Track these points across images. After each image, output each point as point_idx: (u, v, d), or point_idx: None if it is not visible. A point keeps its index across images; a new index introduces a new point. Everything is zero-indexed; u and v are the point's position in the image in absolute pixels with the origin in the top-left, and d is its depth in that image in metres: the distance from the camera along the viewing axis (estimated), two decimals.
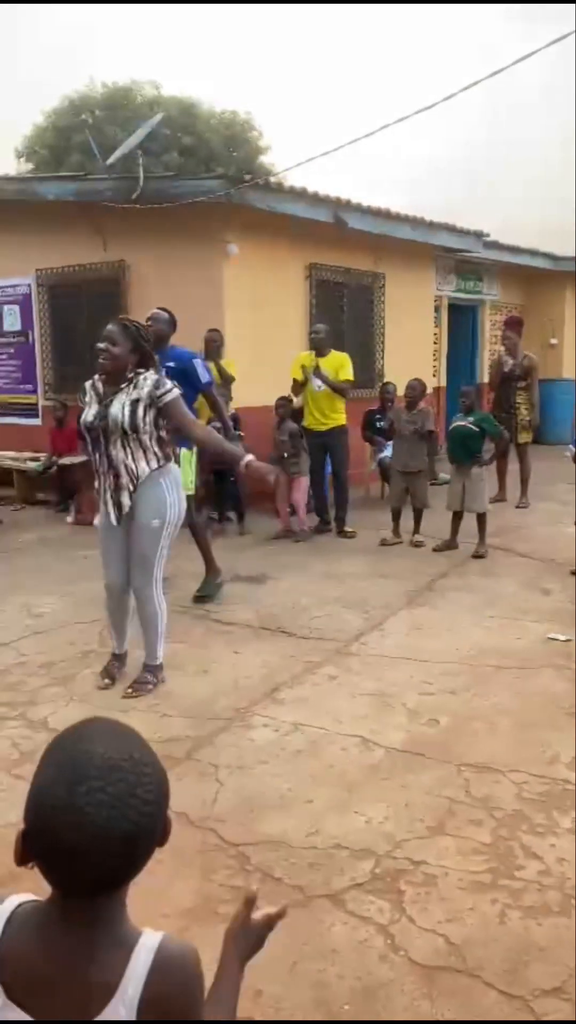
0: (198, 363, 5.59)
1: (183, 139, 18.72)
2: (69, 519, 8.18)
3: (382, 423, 8.67)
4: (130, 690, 4.00)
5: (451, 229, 10.50)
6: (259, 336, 8.39)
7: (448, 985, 2.10)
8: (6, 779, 3.16)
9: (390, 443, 7.78)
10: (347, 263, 9.70)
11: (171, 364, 5.41)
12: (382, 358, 10.40)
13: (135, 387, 3.87)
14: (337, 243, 9.32)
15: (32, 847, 0.99)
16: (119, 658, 4.23)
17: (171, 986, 1.00)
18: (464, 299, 12.88)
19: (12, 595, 5.67)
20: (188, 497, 5.43)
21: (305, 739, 3.48)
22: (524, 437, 8.62)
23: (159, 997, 0.99)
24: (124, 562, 4.07)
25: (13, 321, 10.21)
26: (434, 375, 12.00)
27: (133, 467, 3.90)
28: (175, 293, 8.32)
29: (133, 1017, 0.98)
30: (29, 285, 9.91)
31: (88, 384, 4.03)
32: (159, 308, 5.68)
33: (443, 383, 12.39)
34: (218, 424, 6.12)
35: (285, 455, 7.31)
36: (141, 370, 3.91)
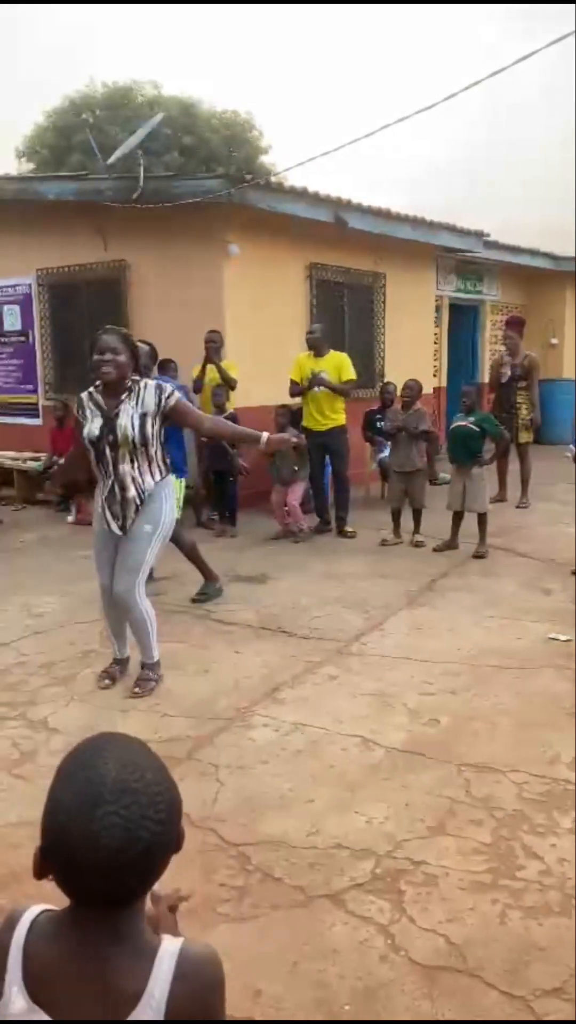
0: (178, 394, 5.58)
1: (183, 139, 18.72)
2: (69, 519, 8.18)
3: (382, 423, 8.66)
4: (137, 690, 4.01)
5: (452, 229, 10.49)
6: (259, 336, 8.39)
7: (449, 985, 2.10)
8: (6, 779, 3.16)
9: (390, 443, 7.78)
10: (347, 263, 9.70)
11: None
12: (382, 358, 10.40)
13: (137, 397, 3.86)
14: (337, 243, 9.32)
15: (49, 864, 1.01)
16: (121, 662, 4.23)
17: (196, 990, 1.02)
18: (464, 299, 12.88)
19: (12, 595, 5.67)
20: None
21: (305, 739, 3.47)
22: (525, 437, 8.62)
23: (185, 1002, 1.00)
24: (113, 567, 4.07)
25: (13, 321, 10.21)
26: (435, 375, 12.00)
27: (140, 481, 3.92)
28: (175, 293, 8.34)
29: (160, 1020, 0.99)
30: (29, 285, 9.91)
31: (85, 397, 3.96)
32: (140, 341, 5.71)
33: (443, 383, 12.39)
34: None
35: (283, 454, 7.31)
36: (136, 377, 3.92)
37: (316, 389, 7.24)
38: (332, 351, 7.42)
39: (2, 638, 4.81)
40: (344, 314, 9.77)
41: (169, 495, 4.08)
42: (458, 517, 6.73)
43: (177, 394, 3.96)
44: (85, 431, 3.91)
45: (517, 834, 2.76)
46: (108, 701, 3.91)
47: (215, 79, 34.17)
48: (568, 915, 2.36)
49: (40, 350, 9.99)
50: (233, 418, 7.50)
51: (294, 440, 4.14)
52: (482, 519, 6.61)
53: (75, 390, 4.51)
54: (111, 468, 3.89)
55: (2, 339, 10.39)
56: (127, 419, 3.83)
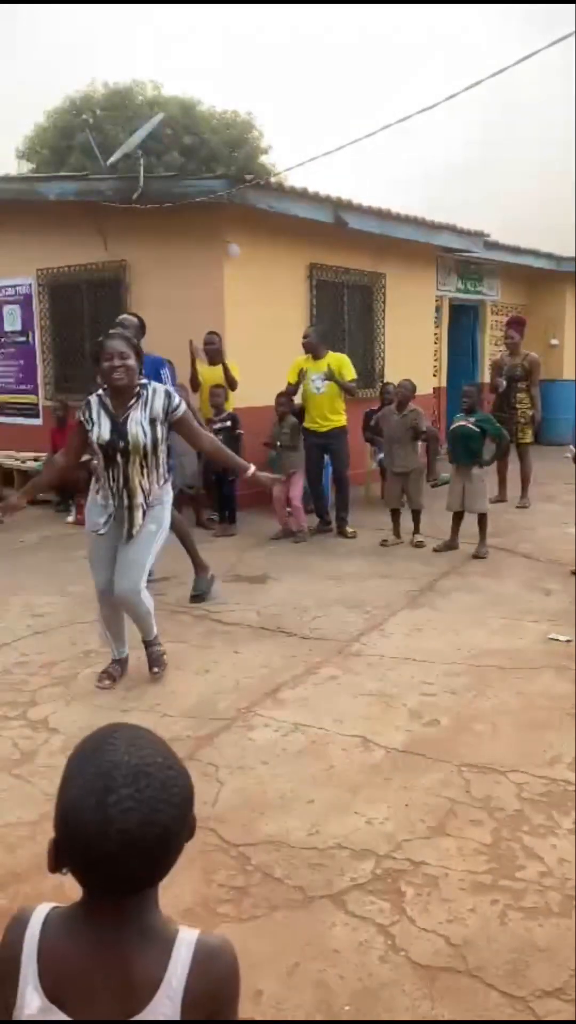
0: (166, 372, 5.65)
1: (184, 139, 18.72)
2: (69, 519, 8.18)
3: (374, 424, 8.67)
4: (156, 669, 4.13)
5: (452, 229, 10.49)
6: (259, 336, 8.39)
7: (449, 986, 2.10)
8: (7, 779, 3.16)
9: None
10: (348, 263, 9.69)
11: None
12: (383, 358, 10.40)
13: (145, 402, 3.88)
14: (338, 243, 9.32)
15: (64, 856, 1.00)
16: (120, 662, 4.23)
17: (214, 978, 1.03)
18: (465, 299, 12.88)
19: (13, 595, 5.67)
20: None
21: (306, 739, 3.47)
22: (525, 437, 8.62)
23: (203, 989, 1.01)
24: (112, 567, 4.06)
25: (14, 321, 10.21)
26: (435, 375, 12.00)
27: (148, 487, 3.95)
28: (176, 293, 8.34)
29: (178, 1010, 1.00)
30: (30, 285, 9.91)
31: (94, 400, 3.93)
32: (128, 313, 5.77)
33: (444, 383, 12.39)
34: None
35: (279, 444, 7.32)
36: (143, 380, 3.93)
37: (317, 389, 7.23)
38: (331, 352, 7.42)
39: (3, 638, 4.81)
40: (344, 314, 9.77)
41: (168, 496, 4.15)
42: (458, 517, 6.73)
43: (183, 406, 4.00)
44: (94, 435, 3.88)
45: (517, 835, 2.76)
46: (109, 701, 3.91)
47: (215, 79, 34.18)
48: (568, 916, 2.36)
49: (40, 350, 9.99)
50: (233, 419, 7.53)
51: (274, 486, 4.35)
52: (482, 519, 6.61)
53: (75, 391, 4.51)
54: (120, 474, 3.90)
55: (2, 339, 10.39)
56: (137, 426, 3.85)
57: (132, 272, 8.83)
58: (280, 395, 7.42)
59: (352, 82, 39.78)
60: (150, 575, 5.03)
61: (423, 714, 3.71)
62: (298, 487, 7.39)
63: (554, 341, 13.95)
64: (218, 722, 3.66)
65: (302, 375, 7.32)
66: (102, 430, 3.86)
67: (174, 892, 2.44)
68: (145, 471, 3.92)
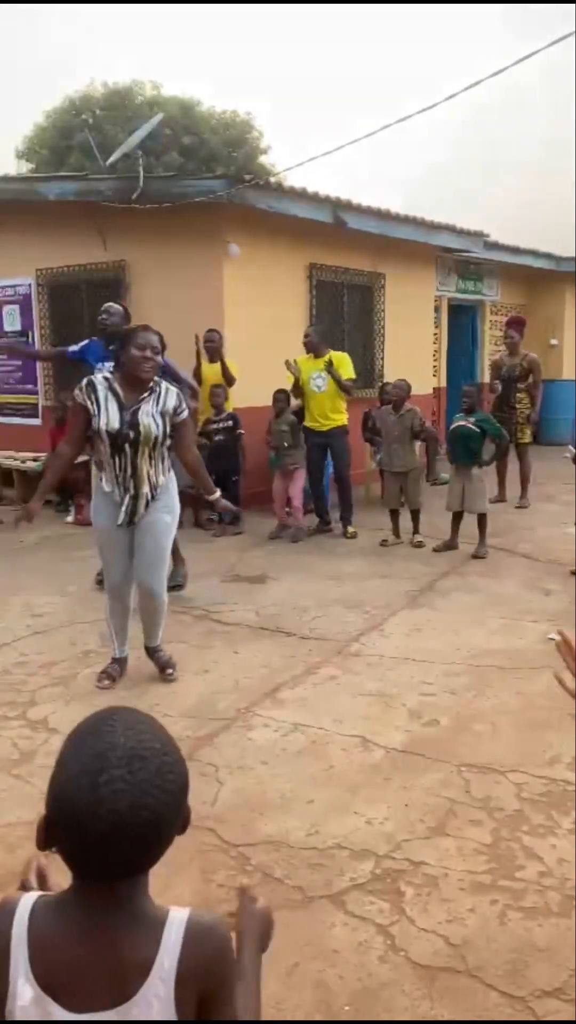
0: (186, 414, 5.66)
1: (183, 139, 18.72)
2: (69, 519, 8.18)
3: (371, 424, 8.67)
4: (170, 671, 4.15)
5: (451, 229, 10.49)
6: (259, 336, 8.38)
7: (448, 986, 2.10)
8: (6, 779, 3.16)
9: None
10: (347, 263, 9.69)
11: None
12: (382, 358, 10.40)
13: (158, 397, 3.89)
14: (337, 243, 9.31)
15: (55, 835, 1.00)
16: (119, 661, 4.23)
17: (206, 955, 1.02)
18: (464, 299, 12.87)
19: (13, 595, 5.67)
20: None
21: (305, 739, 3.47)
22: (524, 437, 8.62)
23: (195, 967, 1.01)
24: (128, 562, 4.07)
25: (13, 321, 10.21)
26: (434, 375, 12.00)
27: (155, 478, 3.96)
28: (175, 293, 8.34)
29: (171, 990, 1.00)
30: (29, 285, 9.91)
31: (100, 383, 3.87)
32: (112, 303, 5.81)
33: (443, 383, 12.39)
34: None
35: (285, 444, 7.32)
36: (157, 378, 3.94)
37: (318, 388, 7.23)
38: (331, 351, 7.42)
39: (2, 638, 4.81)
40: (344, 314, 9.77)
41: (175, 486, 4.16)
42: (458, 517, 6.73)
43: (187, 413, 4.03)
44: (100, 421, 3.81)
45: (517, 835, 2.76)
46: (108, 701, 3.90)
47: (215, 79, 34.20)
48: (568, 916, 2.36)
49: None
50: (233, 419, 7.53)
51: (230, 508, 4.58)
52: (482, 520, 6.61)
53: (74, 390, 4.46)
54: (129, 463, 3.88)
55: (2, 339, 10.38)
56: (149, 418, 3.85)
57: (132, 272, 8.83)
58: (278, 391, 7.42)
59: (352, 82, 39.78)
60: None
61: (423, 714, 3.71)
62: (299, 484, 7.39)
63: (553, 341, 13.95)
64: (218, 722, 3.66)
65: (292, 368, 7.32)
66: (110, 417, 3.82)
67: (174, 892, 2.44)
68: (152, 462, 3.93)
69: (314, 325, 7.92)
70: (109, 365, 5.58)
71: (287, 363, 7.29)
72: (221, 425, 7.50)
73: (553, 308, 14.19)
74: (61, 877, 1.05)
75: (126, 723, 1.04)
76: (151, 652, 4.24)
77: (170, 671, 4.16)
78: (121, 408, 3.84)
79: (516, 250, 12.70)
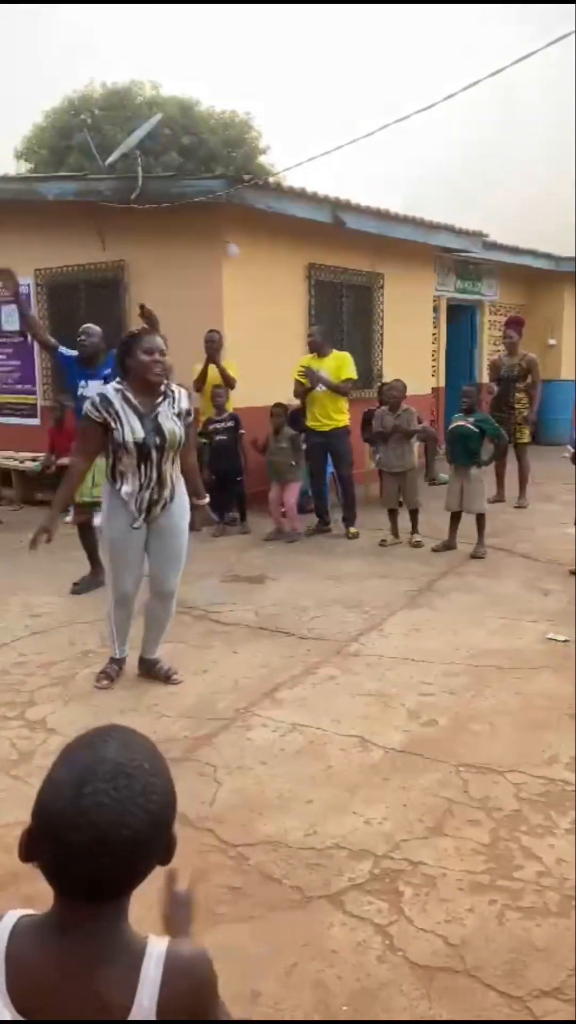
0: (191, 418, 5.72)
1: (182, 139, 18.72)
2: (68, 519, 8.15)
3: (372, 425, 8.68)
4: (175, 676, 4.14)
5: (450, 229, 10.49)
6: (258, 336, 8.39)
7: (447, 986, 2.10)
8: (5, 780, 3.15)
9: None
10: (346, 263, 9.69)
11: (107, 372, 5.62)
12: (381, 358, 10.40)
13: (172, 401, 3.89)
14: (336, 243, 9.31)
15: (36, 846, 0.99)
16: (118, 661, 4.21)
17: (186, 992, 1.01)
18: (463, 299, 12.88)
19: (12, 595, 5.67)
20: (91, 503, 5.69)
21: (304, 739, 3.47)
22: (523, 437, 8.62)
23: (176, 1004, 0.99)
24: (140, 568, 4.08)
25: (12, 321, 10.19)
26: (433, 375, 12.00)
27: (172, 480, 3.98)
28: (174, 293, 8.33)
29: None
30: (28, 285, 9.89)
31: (113, 396, 3.82)
32: (89, 324, 5.91)
33: (442, 383, 12.39)
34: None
35: (287, 461, 7.34)
36: (166, 381, 3.94)
37: (319, 388, 7.25)
38: (334, 351, 7.43)
39: (1, 638, 4.81)
40: (343, 314, 9.77)
41: (183, 486, 4.16)
42: (456, 517, 6.73)
43: (192, 417, 4.06)
44: (124, 434, 3.78)
45: (515, 835, 2.76)
46: (107, 702, 3.91)
47: (214, 79, 34.20)
48: (566, 916, 2.36)
49: (38, 350, 9.97)
50: (235, 419, 7.54)
51: (214, 520, 4.62)
52: (480, 519, 6.62)
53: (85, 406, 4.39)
54: (155, 469, 3.88)
55: (1, 339, 10.38)
56: (170, 421, 3.86)
57: (130, 272, 8.83)
58: (275, 406, 7.41)
59: (351, 82, 39.78)
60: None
61: (421, 714, 3.71)
62: (293, 493, 7.40)
63: (552, 341, 13.96)
64: (216, 722, 3.66)
65: (309, 375, 7.33)
66: (134, 428, 3.79)
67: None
68: (172, 465, 3.95)
69: (318, 325, 7.90)
70: (94, 383, 5.61)
71: (307, 372, 7.24)
72: (223, 425, 7.51)
73: (552, 308, 14.20)
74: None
75: (120, 740, 1.04)
76: (151, 665, 4.20)
77: (176, 676, 4.15)
78: (141, 417, 3.81)
79: (515, 250, 12.71)
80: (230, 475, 7.53)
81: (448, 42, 36.17)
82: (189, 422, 3.99)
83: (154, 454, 3.84)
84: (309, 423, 7.44)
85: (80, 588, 5.67)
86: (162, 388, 3.87)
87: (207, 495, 4.36)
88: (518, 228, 13.90)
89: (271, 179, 9.63)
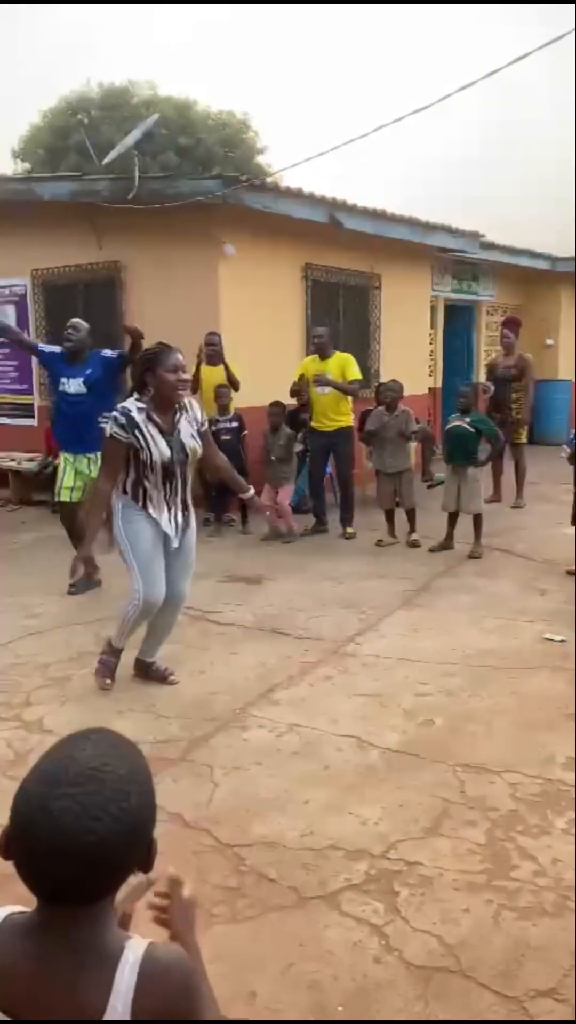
0: (104, 352, 5.81)
1: (179, 139, 18.71)
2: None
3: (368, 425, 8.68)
4: (173, 677, 4.14)
5: (447, 230, 10.49)
6: (255, 336, 8.39)
7: (443, 986, 2.10)
8: (1, 780, 3.15)
9: None
10: (343, 264, 9.69)
11: (90, 371, 5.69)
12: (378, 359, 10.40)
13: (187, 414, 3.90)
14: (333, 244, 9.31)
15: (10, 847, 0.99)
16: (117, 653, 4.14)
17: (161, 997, 0.99)
18: (460, 300, 12.88)
19: (8, 596, 5.66)
20: (73, 503, 5.72)
21: (301, 740, 3.47)
22: (519, 437, 8.63)
23: (150, 1009, 0.98)
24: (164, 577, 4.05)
25: (9, 321, 10.19)
26: (430, 375, 12.01)
27: (190, 492, 4.01)
28: (171, 293, 8.34)
29: None
30: (25, 285, 9.90)
31: (138, 416, 3.76)
32: (77, 319, 5.94)
33: (439, 383, 12.40)
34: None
35: (273, 456, 7.34)
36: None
37: (322, 390, 7.25)
38: (337, 352, 7.44)
39: None
40: (340, 315, 9.77)
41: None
42: (453, 517, 6.73)
43: (206, 425, 4.07)
44: (153, 455, 3.77)
45: (511, 835, 2.76)
46: (104, 702, 3.91)
47: (211, 80, 34.17)
48: (562, 916, 2.36)
49: None
50: (239, 420, 7.54)
51: (265, 512, 4.45)
52: (477, 519, 6.62)
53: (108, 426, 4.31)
54: (180, 485, 3.91)
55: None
56: (190, 438, 3.88)
57: (127, 272, 8.82)
58: (272, 404, 7.42)
59: (348, 82, 39.80)
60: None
61: (418, 714, 3.71)
62: (287, 495, 7.41)
63: (549, 341, 13.98)
64: (213, 723, 3.66)
65: (304, 379, 7.35)
66: (162, 449, 3.79)
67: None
68: (189, 477, 3.98)
69: (324, 327, 7.86)
70: (75, 381, 5.66)
71: (320, 379, 7.22)
72: (228, 426, 7.51)
73: (549, 308, 14.22)
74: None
75: (99, 743, 1.03)
76: (148, 667, 4.19)
77: (172, 677, 4.14)
78: (165, 435, 3.81)
79: (512, 250, 12.71)
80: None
81: (447, 42, 36.21)
82: (205, 429, 4.01)
83: (177, 471, 3.88)
84: (313, 424, 7.46)
85: (77, 589, 5.68)
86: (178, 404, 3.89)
87: (250, 487, 4.32)
88: (515, 228, 13.92)
89: (268, 179, 9.63)
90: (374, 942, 2.26)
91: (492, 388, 8.64)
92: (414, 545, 6.89)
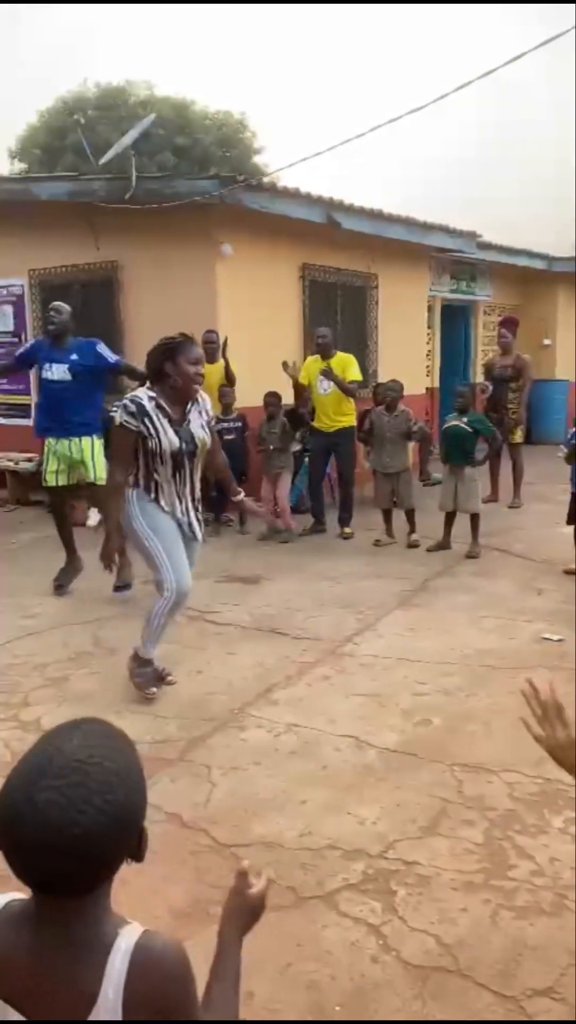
0: (101, 346, 5.71)
1: (176, 139, 18.72)
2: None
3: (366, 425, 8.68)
4: (170, 677, 4.11)
5: (445, 229, 10.50)
6: (253, 336, 8.38)
7: (440, 985, 2.10)
8: None
9: None
10: (340, 264, 9.70)
11: (75, 357, 5.59)
12: (375, 359, 10.41)
13: (197, 405, 3.88)
14: (331, 244, 9.32)
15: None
16: (149, 663, 4.04)
17: (152, 985, 0.99)
18: (457, 299, 12.89)
19: (6, 596, 5.65)
20: (60, 488, 5.71)
21: (299, 740, 3.48)
22: (516, 437, 8.64)
23: (142, 997, 0.98)
24: None
25: (6, 322, 10.18)
26: (427, 375, 12.01)
27: (198, 484, 3.98)
28: (168, 293, 8.33)
29: (119, 1018, 0.98)
30: (22, 286, 9.89)
31: (148, 405, 3.73)
32: (59, 302, 5.85)
33: (436, 383, 12.41)
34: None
35: (273, 447, 7.33)
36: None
37: (324, 390, 7.25)
38: (339, 353, 7.45)
39: None
40: (337, 315, 9.78)
41: None
42: (451, 517, 6.74)
43: (212, 421, 4.06)
44: (163, 444, 3.74)
45: (509, 834, 2.77)
46: (101, 702, 3.90)
47: (208, 79, 34.20)
48: (559, 915, 2.36)
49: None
50: (243, 419, 7.54)
51: (258, 512, 4.61)
52: (475, 519, 6.63)
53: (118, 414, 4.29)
54: (188, 477, 3.88)
55: None
56: (200, 429, 3.86)
57: (124, 272, 8.82)
58: (268, 394, 7.43)
59: (345, 82, 39.79)
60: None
61: (416, 714, 3.71)
62: (285, 487, 7.40)
63: (547, 341, 13.99)
64: (211, 723, 3.66)
65: (294, 371, 7.36)
66: (171, 438, 3.76)
67: (167, 893, 2.45)
68: (199, 470, 3.95)
69: (328, 327, 7.86)
70: (59, 367, 5.57)
71: (284, 364, 7.30)
72: (231, 425, 7.51)
73: (546, 308, 14.23)
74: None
75: (87, 734, 1.03)
76: (148, 662, 4.13)
77: (169, 677, 4.12)
78: (175, 425, 3.79)
79: (509, 250, 12.73)
80: (235, 475, 7.51)
81: (446, 42, 36.22)
82: (212, 426, 4.01)
83: (186, 462, 3.85)
84: (315, 424, 7.47)
85: (63, 584, 5.67)
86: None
87: (240, 490, 4.32)
88: (512, 228, 13.93)
89: (265, 179, 9.63)
90: (372, 942, 2.27)
91: (491, 388, 8.64)
92: (414, 546, 6.89)
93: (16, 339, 10.10)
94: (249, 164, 19.20)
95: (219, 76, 35.65)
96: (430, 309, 12.00)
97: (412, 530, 7.00)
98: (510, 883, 2.51)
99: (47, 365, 5.67)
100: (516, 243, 12.81)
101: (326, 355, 7.34)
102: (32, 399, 10.04)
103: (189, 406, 3.84)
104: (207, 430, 3.92)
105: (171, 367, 3.74)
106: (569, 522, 5.96)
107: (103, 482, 5.64)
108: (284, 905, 2.42)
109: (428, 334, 12.04)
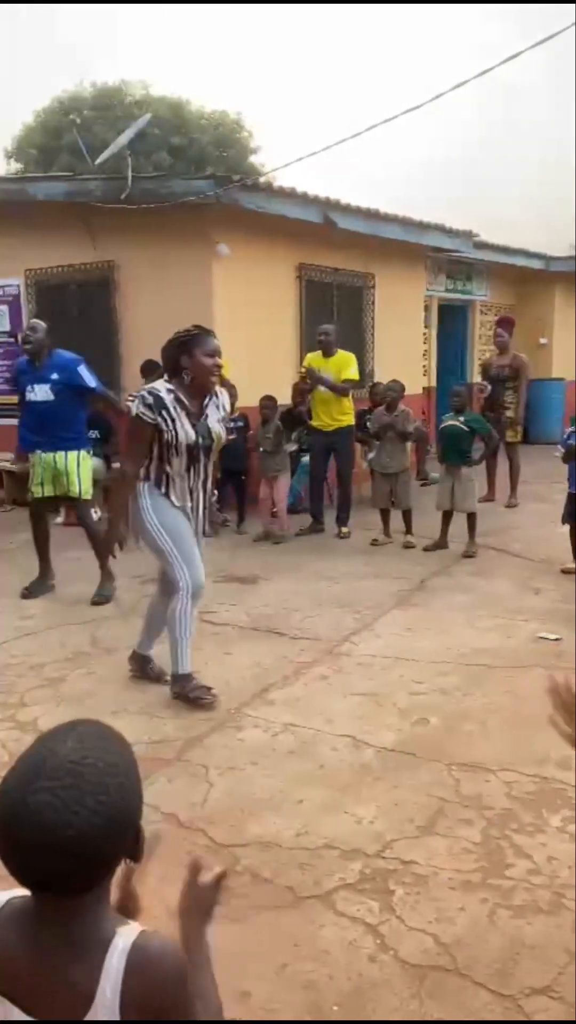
0: (83, 367, 5.61)
1: (172, 139, 18.71)
2: (58, 520, 8.13)
3: (368, 424, 8.69)
4: (167, 678, 4.02)
5: (441, 229, 10.51)
6: (250, 336, 8.38)
7: (438, 985, 2.10)
8: None
9: None
10: (337, 263, 9.70)
11: (55, 376, 5.54)
12: (372, 358, 10.41)
13: (214, 399, 3.87)
14: (327, 243, 9.32)
15: None
16: (190, 678, 3.95)
17: (149, 985, 0.99)
18: (454, 299, 12.90)
19: (3, 596, 5.65)
20: (44, 499, 5.68)
21: (296, 739, 3.47)
22: (513, 436, 8.64)
23: (139, 997, 0.99)
24: None
25: (2, 322, 10.16)
26: (424, 375, 12.02)
27: (211, 480, 3.97)
28: (165, 293, 8.32)
29: (116, 1017, 0.98)
30: (18, 286, 9.87)
31: (167, 397, 3.67)
32: (36, 320, 5.82)
33: (433, 383, 12.42)
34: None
35: (263, 449, 7.34)
36: None
37: (320, 389, 7.26)
38: (340, 351, 7.44)
39: None
40: (334, 314, 9.77)
41: None
42: (448, 517, 6.74)
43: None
44: (179, 436, 3.69)
45: (507, 833, 2.76)
46: (99, 703, 3.90)
47: (204, 79, 34.19)
48: (557, 914, 2.36)
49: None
50: (245, 419, 7.54)
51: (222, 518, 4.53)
52: (472, 519, 6.63)
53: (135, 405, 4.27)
54: (203, 471, 3.86)
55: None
56: (217, 424, 3.85)
57: (121, 272, 8.81)
58: (264, 398, 7.43)
59: (342, 82, 39.80)
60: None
61: (413, 713, 3.71)
62: (283, 490, 7.40)
63: (543, 340, 14.00)
64: (208, 723, 3.66)
65: (311, 374, 7.36)
66: (187, 431, 3.72)
67: (164, 893, 2.43)
68: (213, 466, 3.94)
69: (331, 325, 7.83)
70: (42, 387, 5.51)
71: (308, 372, 7.24)
72: (233, 425, 7.50)
73: (542, 308, 14.24)
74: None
75: (82, 736, 1.03)
76: (144, 663, 4.18)
77: (167, 677, 4.09)
78: (192, 418, 3.75)
79: (506, 250, 12.74)
80: (236, 475, 7.53)
81: (442, 42, 36.24)
82: (227, 421, 4.02)
83: (202, 456, 3.82)
84: (314, 423, 7.47)
85: (33, 592, 5.65)
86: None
87: (214, 492, 4.30)
88: (509, 228, 13.95)
89: (261, 179, 9.63)
90: (369, 941, 2.26)
91: (489, 388, 8.65)
92: (410, 546, 6.89)
93: (12, 339, 10.08)
94: (245, 164, 19.21)
95: (215, 76, 35.64)
96: (427, 309, 12.01)
97: (408, 531, 7.00)
98: (508, 882, 2.51)
99: (30, 387, 5.63)
100: (513, 243, 12.82)
101: (327, 353, 7.34)
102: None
103: (207, 400, 3.82)
104: (223, 424, 3.90)
105: (187, 360, 3.69)
106: (564, 521, 5.97)
107: (88, 496, 5.66)
108: (281, 905, 2.42)
109: (425, 334, 12.05)
